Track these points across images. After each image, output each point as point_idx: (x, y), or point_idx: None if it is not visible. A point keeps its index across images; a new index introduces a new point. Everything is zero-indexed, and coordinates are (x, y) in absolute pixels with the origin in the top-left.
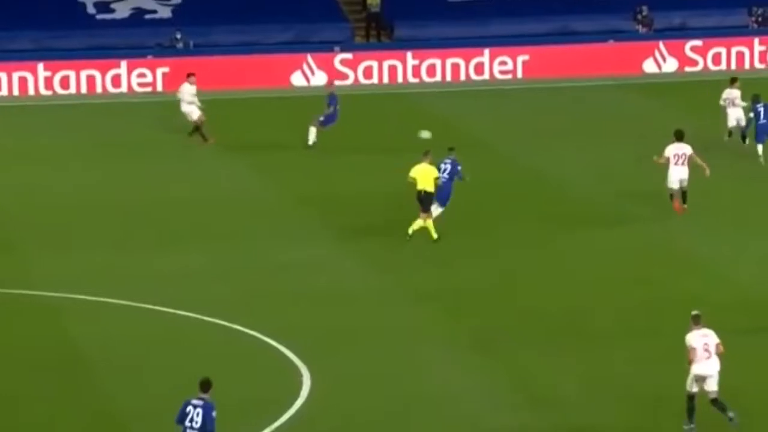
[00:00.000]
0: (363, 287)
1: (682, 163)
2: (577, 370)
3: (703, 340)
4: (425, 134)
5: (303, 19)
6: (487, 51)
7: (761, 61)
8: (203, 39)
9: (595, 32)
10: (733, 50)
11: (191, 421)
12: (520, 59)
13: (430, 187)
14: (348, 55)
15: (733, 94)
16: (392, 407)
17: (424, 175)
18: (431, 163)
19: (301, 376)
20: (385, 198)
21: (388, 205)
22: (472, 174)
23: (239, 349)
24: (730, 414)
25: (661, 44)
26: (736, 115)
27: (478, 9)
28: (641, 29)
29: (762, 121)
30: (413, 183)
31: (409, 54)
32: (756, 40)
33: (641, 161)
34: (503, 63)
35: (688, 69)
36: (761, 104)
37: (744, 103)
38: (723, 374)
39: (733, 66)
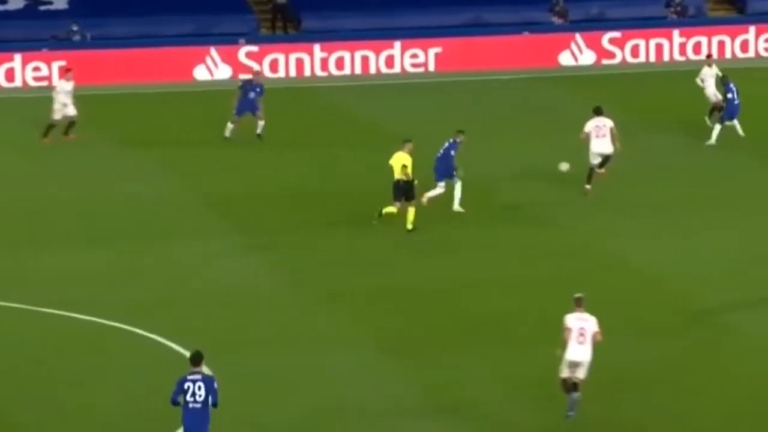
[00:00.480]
0: (270, 288)
1: (603, 136)
2: (497, 375)
3: (579, 324)
4: (564, 167)
5: (206, 11)
6: (397, 43)
7: (681, 53)
8: (101, 31)
9: (510, 24)
10: (652, 42)
11: (193, 395)
12: (432, 52)
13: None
14: (253, 48)
15: (710, 71)
16: (299, 413)
17: (398, 164)
18: (410, 153)
19: None
20: (292, 195)
21: (296, 203)
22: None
23: (140, 353)
24: (575, 395)
25: (578, 36)
26: (712, 91)
27: (389, 0)
28: (557, 20)
29: (736, 101)
30: (392, 171)
31: (317, 46)
32: (675, 32)
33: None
34: (414, 56)
35: (605, 61)
36: (732, 84)
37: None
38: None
39: (652, 58)
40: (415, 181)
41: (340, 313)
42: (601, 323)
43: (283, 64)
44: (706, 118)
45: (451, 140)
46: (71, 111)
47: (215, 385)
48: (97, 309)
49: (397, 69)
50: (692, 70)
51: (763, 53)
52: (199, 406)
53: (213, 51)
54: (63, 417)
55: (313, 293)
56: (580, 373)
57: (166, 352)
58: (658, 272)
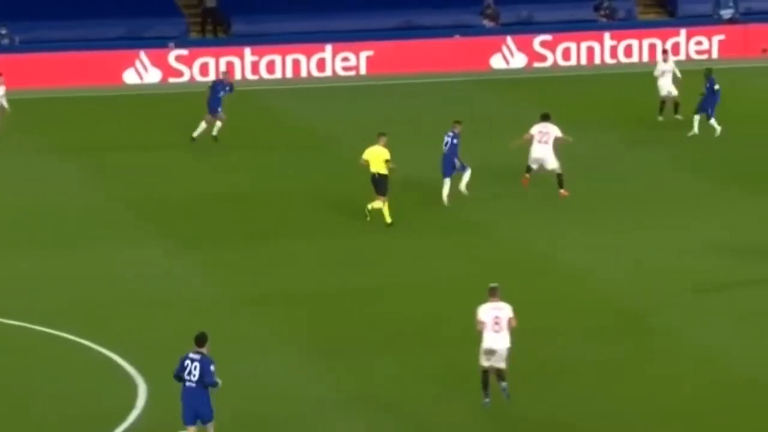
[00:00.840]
0: (199, 293)
1: (545, 142)
2: (425, 374)
3: (494, 314)
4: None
5: (136, 14)
6: (329, 46)
7: (612, 56)
8: (30, 35)
9: (441, 27)
10: (583, 45)
11: (189, 374)
12: (363, 55)
13: (383, 170)
14: (183, 51)
15: (665, 66)
16: (232, 418)
17: (376, 158)
18: (385, 146)
19: (136, 386)
20: (221, 200)
21: (224, 207)
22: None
23: (70, 358)
24: (503, 384)
25: (509, 39)
26: (667, 87)
27: (321, 3)
28: (488, 23)
29: (717, 97)
30: (366, 165)
31: (247, 50)
32: (606, 35)
33: (492, 158)
34: (346, 59)
35: (537, 64)
36: (715, 85)
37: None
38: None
39: (584, 61)
40: (393, 166)
41: (270, 316)
42: (516, 312)
43: (214, 67)
44: (659, 117)
45: (451, 133)
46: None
47: (211, 368)
48: (25, 314)
49: (328, 72)
50: (624, 73)
51: (694, 56)
52: (194, 385)
53: (143, 55)
54: None
55: (242, 297)
56: (500, 362)
57: (96, 357)
58: (587, 272)
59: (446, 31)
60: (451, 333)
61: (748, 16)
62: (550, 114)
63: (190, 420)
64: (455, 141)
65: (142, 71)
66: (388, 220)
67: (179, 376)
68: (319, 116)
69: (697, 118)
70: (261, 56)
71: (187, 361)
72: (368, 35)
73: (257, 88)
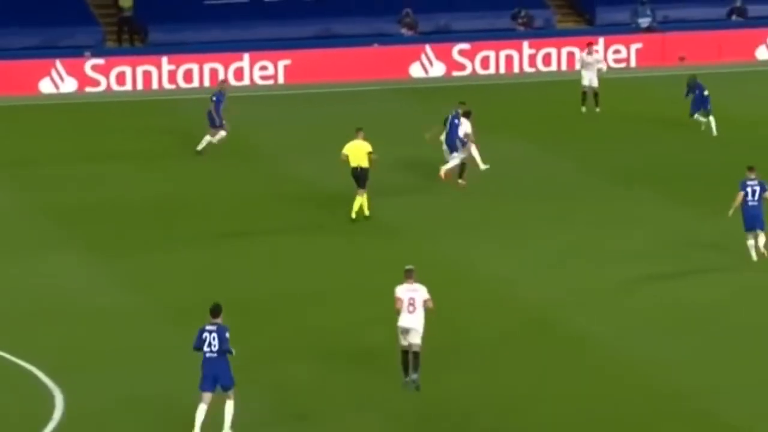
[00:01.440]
0: (118, 303)
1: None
2: (346, 385)
3: (409, 294)
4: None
5: (51, 23)
6: (246, 55)
7: (530, 65)
8: None
9: (360, 35)
10: (502, 54)
11: (209, 345)
12: (281, 64)
13: (365, 163)
14: (100, 61)
15: (589, 58)
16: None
17: (357, 151)
18: (364, 139)
19: (53, 398)
20: (142, 207)
21: (146, 215)
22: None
23: None
24: (414, 376)
25: (428, 48)
26: (589, 76)
27: (238, 12)
28: (406, 32)
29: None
30: (346, 161)
31: (164, 59)
32: (525, 44)
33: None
34: (264, 68)
35: (455, 73)
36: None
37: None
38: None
39: (502, 70)
40: (375, 157)
41: (190, 327)
42: (433, 297)
43: (130, 76)
44: (582, 108)
45: (454, 112)
46: None
47: (227, 335)
48: None
49: (246, 81)
50: (543, 81)
51: (612, 64)
52: (215, 355)
53: (58, 64)
54: None
55: (161, 308)
56: (415, 338)
57: (12, 369)
58: (508, 281)
59: (365, 39)
60: (375, 340)
61: (665, 24)
62: (470, 111)
63: (209, 386)
64: (456, 121)
65: (57, 80)
66: (367, 213)
67: (199, 348)
68: (238, 124)
69: (711, 119)
70: (178, 65)
71: (205, 333)
72: (286, 44)
73: (175, 98)
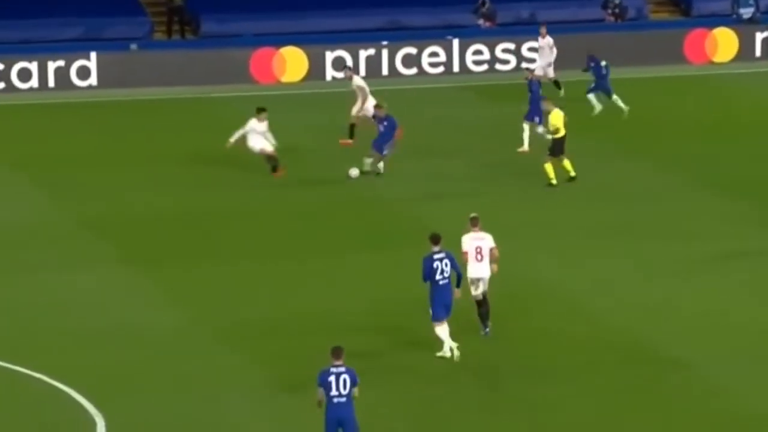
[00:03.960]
0: (158, 321)
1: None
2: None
3: (476, 243)
4: (354, 172)
5: (93, 13)
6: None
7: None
8: None
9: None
10: None
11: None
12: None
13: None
14: (147, 54)
15: (541, 42)
16: None
17: (561, 120)
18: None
19: (95, 424)
20: (181, 218)
21: (185, 226)
22: None
23: (24, 393)
24: (487, 329)
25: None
26: (547, 61)
27: (293, 2)
28: (483, 24)
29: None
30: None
31: (215, 52)
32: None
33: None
34: None
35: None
36: (601, 63)
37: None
38: None
39: None
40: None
41: (236, 348)
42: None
43: (179, 71)
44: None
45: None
46: None
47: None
48: None
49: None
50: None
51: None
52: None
53: (96, 56)
54: None
55: (202, 327)
56: (481, 287)
57: (50, 390)
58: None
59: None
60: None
61: None
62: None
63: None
64: (382, 123)
65: (98, 75)
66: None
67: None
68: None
69: (616, 98)
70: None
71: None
72: (345, 38)
73: (225, 95)
